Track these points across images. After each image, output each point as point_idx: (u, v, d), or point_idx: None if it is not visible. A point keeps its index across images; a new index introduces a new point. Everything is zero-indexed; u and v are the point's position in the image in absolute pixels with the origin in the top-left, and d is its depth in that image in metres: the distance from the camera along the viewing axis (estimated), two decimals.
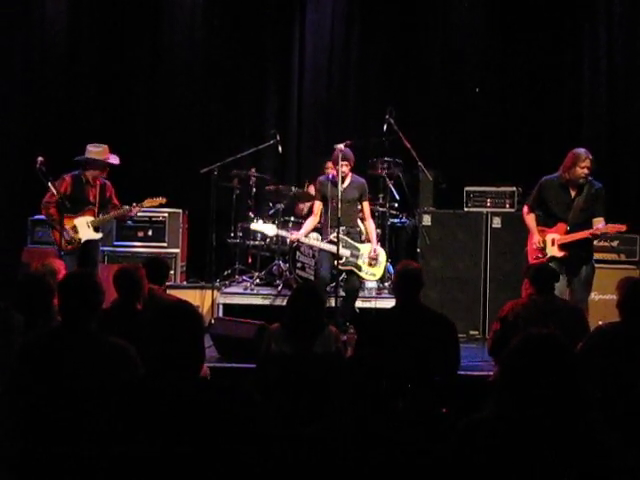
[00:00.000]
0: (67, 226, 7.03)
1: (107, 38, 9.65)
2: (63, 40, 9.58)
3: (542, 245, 6.48)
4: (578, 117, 9.50)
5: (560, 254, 6.40)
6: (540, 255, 6.47)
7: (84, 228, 7.17)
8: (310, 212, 7.88)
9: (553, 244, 6.45)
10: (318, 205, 7.47)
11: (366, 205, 7.46)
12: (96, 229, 7.23)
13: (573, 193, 6.47)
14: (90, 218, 7.20)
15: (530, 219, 6.69)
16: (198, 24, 9.96)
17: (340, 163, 6.92)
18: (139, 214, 8.52)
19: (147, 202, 7.34)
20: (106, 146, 7.34)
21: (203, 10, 9.95)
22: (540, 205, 6.65)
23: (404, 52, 9.71)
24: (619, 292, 4.48)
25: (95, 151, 7.25)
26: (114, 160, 7.33)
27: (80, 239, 7.14)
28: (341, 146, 6.97)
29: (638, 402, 3.95)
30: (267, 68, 10.02)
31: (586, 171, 6.34)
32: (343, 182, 7.11)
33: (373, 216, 7.80)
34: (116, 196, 7.44)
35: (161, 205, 7.55)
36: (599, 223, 6.38)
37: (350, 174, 7.28)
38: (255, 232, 8.33)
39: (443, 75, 9.77)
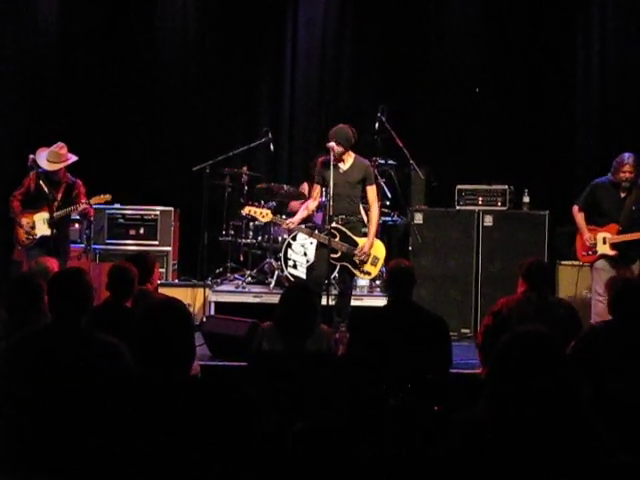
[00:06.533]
0: (26, 221, 7.23)
1: (99, 33, 9.59)
2: (55, 35, 9.51)
3: (594, 242, 6.85)
4: (571, 116, 9.50)
5: (612, 252, 6.82)
6: (590, 252, 6.88)
7: (40, 224, 7.25)
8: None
9: (605, 242, 6.83)
10: (317, 189, 6.88)
11: (370, 190, 6.82)
12: (50, 225, 7.17)
13: (623, 194, 6.90)
14: (46, 215, 7.20)
15: (580, 217, 7.04)
16: (191, 21, 9.94)
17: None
18: (131, 212, 8.65)
19: (94, 200, 7.39)
20: (59, 151, 7.21)
21: (196, 6, 9.92)
22: (592, 205, 7.01)
23: (397, 49, 9.65)
24: (609, 292, 4.51)
25: (49, 164, 7.18)
26: (71, 160, 7.29)
27: (36, 234, 7.24)
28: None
29: (631, 401, 3.96)
30: (259, 66, 9.98)
31: (628, 174, 6.81)
32: (344, 163, 6.74)
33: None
34: (85, 195, 7.39)
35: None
36: None
37: (353, 155, 6.77)
38: (247, 217, 7.84)
39: (435, 73, 9.73)
